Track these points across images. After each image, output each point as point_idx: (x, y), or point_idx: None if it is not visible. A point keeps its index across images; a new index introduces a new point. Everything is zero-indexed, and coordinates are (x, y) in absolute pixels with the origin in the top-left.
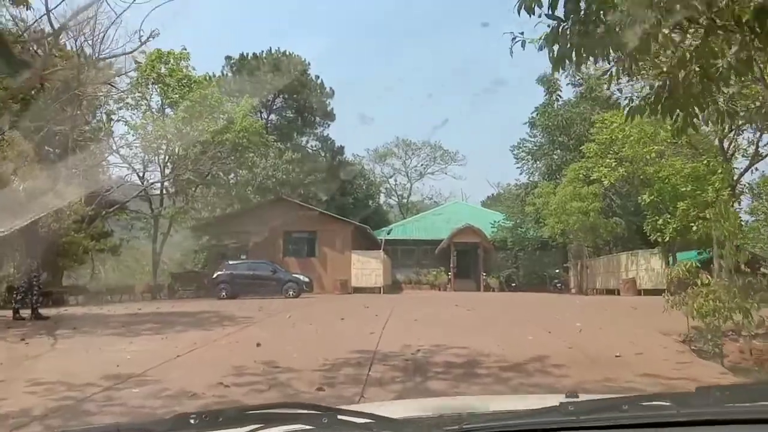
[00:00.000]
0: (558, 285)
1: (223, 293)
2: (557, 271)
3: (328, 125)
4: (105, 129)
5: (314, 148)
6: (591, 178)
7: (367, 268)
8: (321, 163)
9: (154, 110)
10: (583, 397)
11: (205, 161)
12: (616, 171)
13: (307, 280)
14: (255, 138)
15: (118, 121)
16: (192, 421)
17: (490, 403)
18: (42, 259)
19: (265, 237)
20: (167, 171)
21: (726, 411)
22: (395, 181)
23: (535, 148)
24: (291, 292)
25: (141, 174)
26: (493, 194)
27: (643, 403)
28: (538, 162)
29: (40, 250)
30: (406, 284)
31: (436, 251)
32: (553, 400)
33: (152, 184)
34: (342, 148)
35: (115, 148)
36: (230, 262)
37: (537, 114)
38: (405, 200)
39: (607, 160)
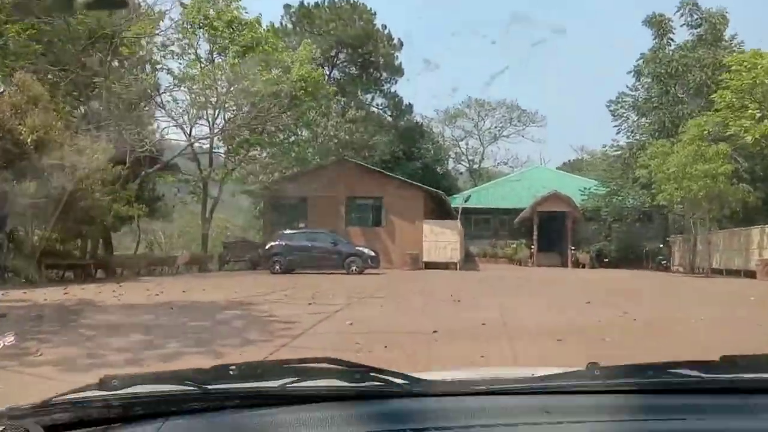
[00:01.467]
0: (663, 262)
1: (277, 266)
2: (660, 246)
3: (396, 81)
4: (147, 78)
5: (380, 107)
6: (726, 133)
7: (441, 240)
8: (387, 122)
9: (202, 59)
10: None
11: (259, 116)
12: (762, 124)
13: (373, 254)
14: (315, 89)
15: (161, 70)
16: (232, 372)
17: (517, 371)
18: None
19: (326, 203)
20: (216, 127)
21: (751, 379)
22: (467, 144)
23: (640, 101)
24: (354, 268)
25: (188, 130)
26: (570, 160)
27: (669, 370)
28: (645, 118)
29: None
30: (481, 258)
31: (515, 222)
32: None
33: (199, 140)
34: (410, 106)
35: (158, 100)
36: (286, 232)
37: (643, 62)
38: (476, 166)
39: (750, 111)
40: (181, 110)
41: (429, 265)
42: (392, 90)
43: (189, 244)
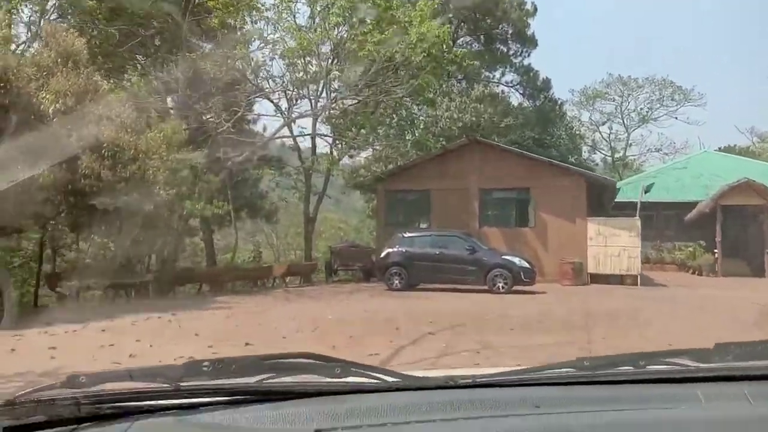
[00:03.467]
0: None
1: (396, 281)
2: None
3: (529, 53)
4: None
5: (511, 84)
6: None
7: (613, 245)
8: (519, 103)
9: (301, 26)
10: None
11: (371, 85)
12: None
13: (526, 265)
14: (438, 52)
15: (251, 39)
16: (205, 368)
17: (504, 369)
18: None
19: (454, 198)
20: (320, 106)
21: (744, 367)
22: (610, 129)
23: None
24: (500, 284)
25: (284, 108)
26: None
27: (662, 359)
28: None
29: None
30: (642, 264)
31: (687, 218)
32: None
33: (297, 119)
34: (548, 82)
35: (250, 73)
36: (406, 235)
37: None
38: (620, 153)
39: None
40: (277, 85)
41: (595, 278)
42: (525, 63)
43: (289, 249)
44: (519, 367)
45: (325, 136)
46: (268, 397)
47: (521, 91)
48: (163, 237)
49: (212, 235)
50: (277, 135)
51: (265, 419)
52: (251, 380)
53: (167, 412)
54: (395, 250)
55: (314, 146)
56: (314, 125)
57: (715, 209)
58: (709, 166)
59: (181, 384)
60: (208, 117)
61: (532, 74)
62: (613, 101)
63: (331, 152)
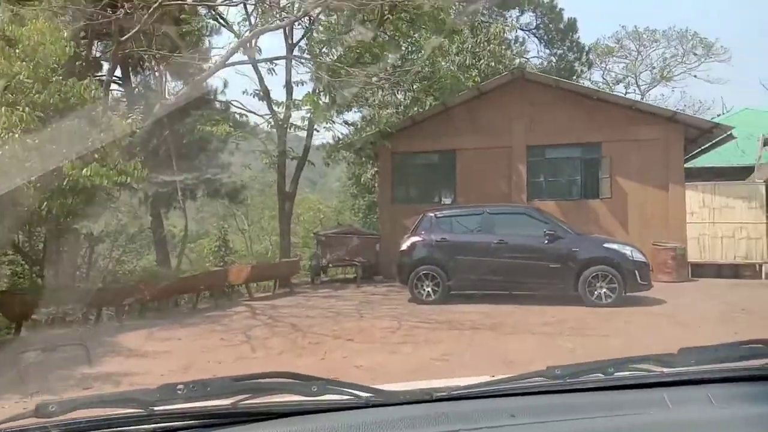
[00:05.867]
0: None
1: (428, 288)
2: None
3: None
4: None
5: (528, 27)
6: None
7: (726, 220)
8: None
9: None
10: None
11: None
12: None
13: (641, 257)
14: None
15: None
16: (179, 391)
17: (478, 378)
18: None
19: (490, 160)
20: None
21: (705, 370)
22: (626, 88)
23: None
24: (605, 291)
25: (243, 33)
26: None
27: (630, 365)
28: None
29: None
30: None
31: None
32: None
33: (261, 33)
34: (573, 23)
35: None
36: (439, 214)
37: None
38: None
39: None
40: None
41: (698, 270)
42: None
43: (264, 237)
44: (493, 378)
45: (302, 58)
46: (244, 419)
47: (541, 35)
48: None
49: (162, 222)
50: (231, 61)
51: None
52: (226, 402)
53: None
54: (424, 238)
55: (290, 88)
56: (288, 63)
57: None
58: (757, 125)
59: (155, 408)
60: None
61: (556, 12)
62: (626, 59)
63: (315, 92)
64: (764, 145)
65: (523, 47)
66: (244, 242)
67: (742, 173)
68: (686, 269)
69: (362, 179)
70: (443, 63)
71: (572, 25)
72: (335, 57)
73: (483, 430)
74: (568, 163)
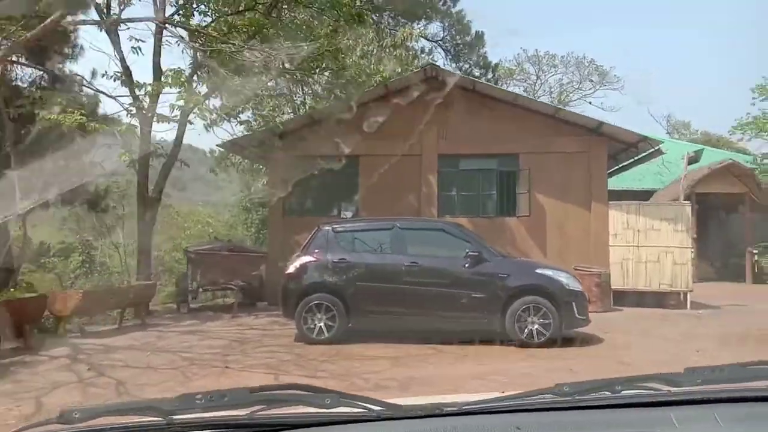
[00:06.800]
0: None
1: (320, 325)
2: None
3: (455, 2)
4: None
5: (434, 39)
6: None
7: (650, 244)
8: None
9: None
10: None
11: None
12: None
13: (578, 286)
14: None
15: None
16: (198, 401)
17: (487, 395)
18: None
19: (396, 169)
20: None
21: (712, 390)
22: None
23: None
24: (536, 327)
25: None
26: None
27: (637, 384)
28: None
29: None
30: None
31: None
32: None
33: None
34: (481, 36)
35: None
36: (337, 228)
37: None
38: None
39: None
40: None
41: (621, 298)
42: (452, 10)
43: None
44: (503, 394)
45: (172, 23)
46: (259, 429)
47: (447, 47)
48: None
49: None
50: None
51: None
52: (242, 412)
53: None
54: (317, 258)
55: (157, 65)
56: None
57: (690, 198)
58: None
59: (174, 417)
60: None
61: (462, 25)
62: (524, 82)
63: (195, 74)
64: (689, 163)
65: (431, 57)
66: (118, 258)
67: (641, 197)
68: (610, 297)
69: (253, 189)
70: (347, 60)
71: (480, 39)
72: (214, 30)
73: None
74: (483, 176)
